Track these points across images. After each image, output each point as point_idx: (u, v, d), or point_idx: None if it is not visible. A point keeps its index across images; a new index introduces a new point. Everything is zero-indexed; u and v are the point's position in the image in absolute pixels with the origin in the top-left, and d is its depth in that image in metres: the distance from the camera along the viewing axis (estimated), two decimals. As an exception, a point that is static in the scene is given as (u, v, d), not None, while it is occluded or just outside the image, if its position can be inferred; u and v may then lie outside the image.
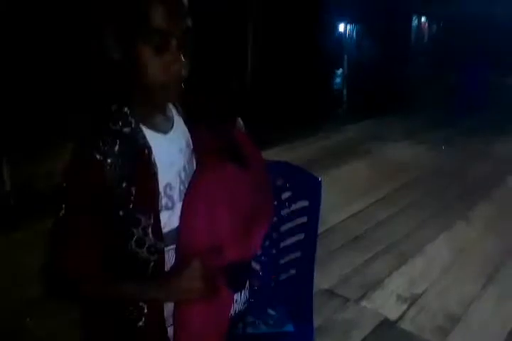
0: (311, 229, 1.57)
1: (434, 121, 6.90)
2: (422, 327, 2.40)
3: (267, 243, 1.61)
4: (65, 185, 0.92)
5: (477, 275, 2.87)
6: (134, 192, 0.94)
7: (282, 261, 1.60)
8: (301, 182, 1.61)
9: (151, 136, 0.99)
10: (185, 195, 1.03)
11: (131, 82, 0.96)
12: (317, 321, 1.70)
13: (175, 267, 1.02)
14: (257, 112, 5.77)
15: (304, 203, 1.56)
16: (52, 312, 2.31)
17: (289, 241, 1.62)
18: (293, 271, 1.59)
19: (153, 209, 0.98)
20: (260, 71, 5.99)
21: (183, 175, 1.05)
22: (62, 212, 0.92)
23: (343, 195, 3.86)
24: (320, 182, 1.62)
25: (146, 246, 0.98)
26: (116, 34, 0.91)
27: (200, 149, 1.11)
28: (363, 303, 2.58)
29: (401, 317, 2.45)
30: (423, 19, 12.60)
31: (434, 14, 11.97)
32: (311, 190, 1.59)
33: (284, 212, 1.57)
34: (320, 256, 1.72)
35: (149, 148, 0.97)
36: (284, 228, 1.61)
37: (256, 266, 1.57)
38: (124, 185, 0.93)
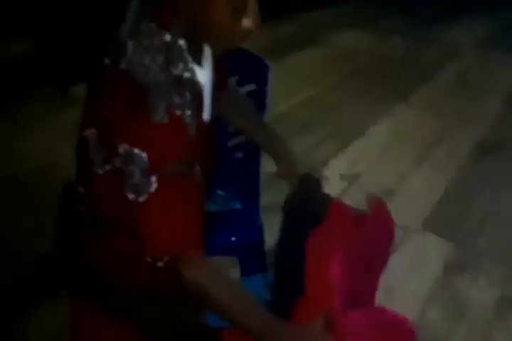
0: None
1: (390, 9, 6.70)
2: (361, 201, 2.64)
3: (217, 127, 1.66)
4: (145, 154, 0.77)
5: (413, 155, 3.08)
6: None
7: (230, 144, 1.64)
8: (249, 66, 1.61)
9: (198, 72, 0.89)
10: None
11: (190, 20, 0.83)
12: (264, 202, 1.78)
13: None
14: None
15: (252, 87, 1.58)
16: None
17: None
18: (239, 154, 1.65)
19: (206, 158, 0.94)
20: None
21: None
22: (154, 186, 0.77)
23: (293, 83, 3.88)
24: (267, 65, 1.63)
25: None
26: None
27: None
28: (308, 183, 2.77)
29: (342, 194, 2.68)
30: None
31: None
32: (259, 74, 1.60)
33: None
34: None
35: (201, 89, 0.89)
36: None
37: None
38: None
